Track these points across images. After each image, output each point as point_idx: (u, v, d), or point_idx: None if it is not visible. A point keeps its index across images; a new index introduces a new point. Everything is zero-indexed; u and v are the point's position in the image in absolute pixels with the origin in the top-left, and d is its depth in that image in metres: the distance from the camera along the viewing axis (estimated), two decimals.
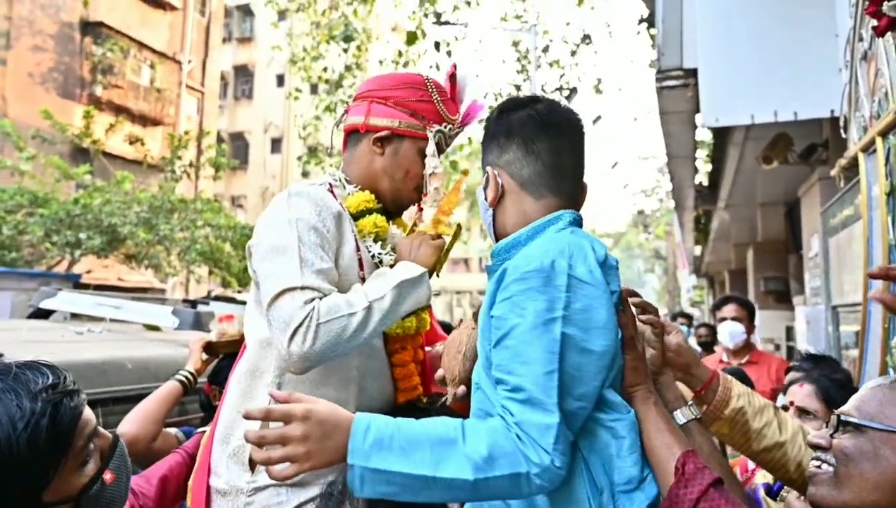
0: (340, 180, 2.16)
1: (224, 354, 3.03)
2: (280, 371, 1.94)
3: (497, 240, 1.79)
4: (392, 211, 2.21)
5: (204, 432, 2.50)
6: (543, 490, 1.46)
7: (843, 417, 1.48)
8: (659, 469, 1.55)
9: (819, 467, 1.49)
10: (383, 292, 1.87)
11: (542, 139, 1.74)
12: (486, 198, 1.79)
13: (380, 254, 2.10)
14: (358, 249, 2.04)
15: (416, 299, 1.95)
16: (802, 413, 2.69)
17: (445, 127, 2.11)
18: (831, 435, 1.49)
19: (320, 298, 1.81)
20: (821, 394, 2.71)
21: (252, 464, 1.84)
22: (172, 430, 2.82)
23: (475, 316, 2.00)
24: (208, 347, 2.97)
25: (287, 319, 1.77)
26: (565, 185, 1.76)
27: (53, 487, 1.35)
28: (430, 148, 2.08)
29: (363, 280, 2.00)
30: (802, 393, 2.74)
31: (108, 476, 1.46)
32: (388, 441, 1.42)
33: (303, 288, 1.81)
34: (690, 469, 1.49)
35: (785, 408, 2.71)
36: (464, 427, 1.46)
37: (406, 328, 2.08)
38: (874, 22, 2.99)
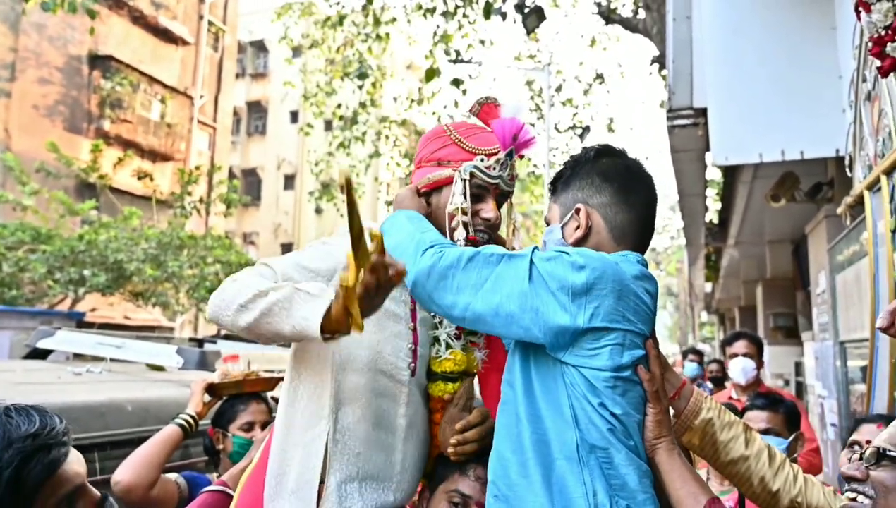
0: None
1: (228, 396, 2.96)
2: (334, 405, 1.95)
3: None
4: None
5: (212, 489, 2.43)
6: None
7: (889, 451, 1.48)
8: None
9: (855, 499, 1.48)
10: (279, 292, 1.81)
11: (640, 191, 1.85)
12: (563, 236, 1.86)
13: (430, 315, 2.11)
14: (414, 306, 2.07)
15: (303, 317, 1.76)
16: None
17: (479, 160, 2.04)
18: (867, 468, 1.48)
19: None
20: None
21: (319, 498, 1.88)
22: (173, 475, 2.72)
23: None
24: (211, 389, 2.88)
25: None
26: (646, 238, 1.87)
27: None
28: (457, 187, 2.02)
29: (414, 332, 2.05)
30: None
31: None
32: None
33: (260, 264, 1.97)
34: None
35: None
36: None
37: (446, 391, 2.08)
38: (878, 63, 3.07)
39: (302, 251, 2.05)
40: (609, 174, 1.84)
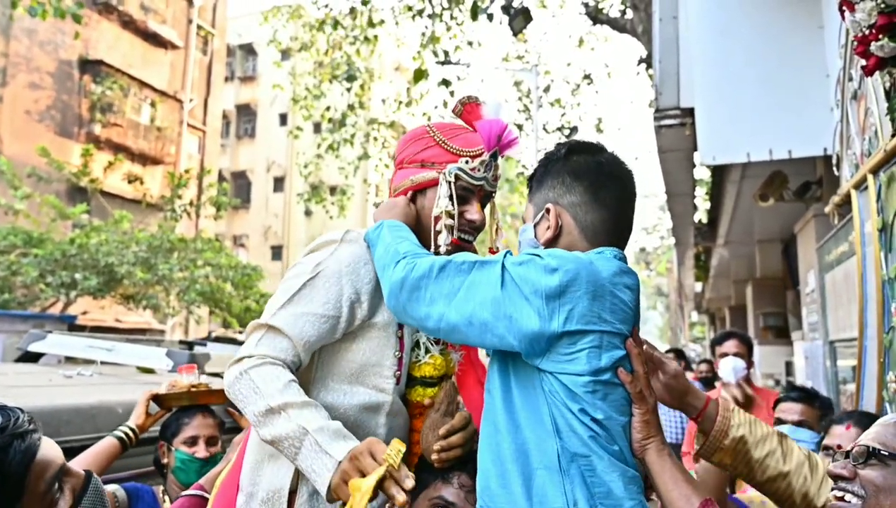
0: None
1: (178, 408, 2.85)
2: None
3: None
4: None
5: (190, 493, 2.37)
6: None
7: (880, 450, 1.46)
8: None
9: (842, 498, 1.47)
10: (291, 423, 1.71)
11: (611, 188, 1.78)
12: (535, 236, 1.81)
13: None
14: None
15: (311, 469, 1.68)
16: None
17: (464, 162, 2.01)
18: (854, 466, 1.47)
19: (273, 359, 1.81)
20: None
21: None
22: (111, 487, 2.56)
23: None
24: (158, 400, 2.77)
25: (241, 351, 1.84)
26: (623, 234, 1.80)
27: None
28: (442, 189, 2.00)
29: (400, 339, 1.99)
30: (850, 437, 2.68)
31: None
32: None
33: (269, 327, 1.85)
34: None
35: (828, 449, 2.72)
36: None
37: (425, 396, 2.05)
38: (863, 62, 3.06)
39: (304, 292, 1.89)
40: (580, 172, 1.79)
